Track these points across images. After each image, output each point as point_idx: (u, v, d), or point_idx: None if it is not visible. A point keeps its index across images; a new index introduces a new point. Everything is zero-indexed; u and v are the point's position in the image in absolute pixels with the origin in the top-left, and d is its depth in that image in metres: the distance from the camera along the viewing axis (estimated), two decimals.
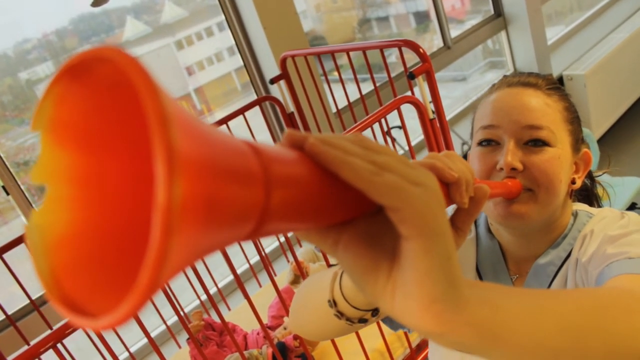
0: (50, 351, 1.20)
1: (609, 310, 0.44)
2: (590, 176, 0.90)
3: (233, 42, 2.62)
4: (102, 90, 0.26)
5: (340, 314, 0.59)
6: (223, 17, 2.58)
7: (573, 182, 0.79)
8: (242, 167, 0.26)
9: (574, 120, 0.79)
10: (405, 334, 1.80)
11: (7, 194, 2.09)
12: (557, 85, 0.80)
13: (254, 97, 2.68)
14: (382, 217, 0.35)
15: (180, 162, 0.21)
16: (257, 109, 2.43)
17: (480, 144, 0.77)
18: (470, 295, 0.33)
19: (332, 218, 0.34)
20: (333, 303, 0.59)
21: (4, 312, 1.93)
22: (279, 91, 2.42)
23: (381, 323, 1.72)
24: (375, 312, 0.59)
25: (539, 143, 0.73)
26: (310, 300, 0.67)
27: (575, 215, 0.79)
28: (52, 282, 0.26)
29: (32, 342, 1.18)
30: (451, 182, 0.43)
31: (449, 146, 1.83)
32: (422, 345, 1.89)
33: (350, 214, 0.35)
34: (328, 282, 0.61)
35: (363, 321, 0.60)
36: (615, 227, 0.71)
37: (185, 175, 0.21)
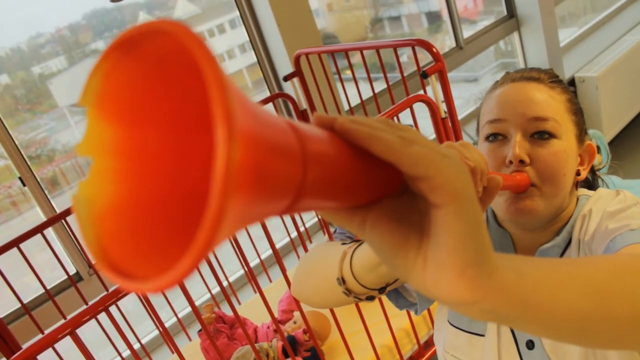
0: (62, 341, 1.22)
1: (630, 272, 0.43)
2: (592, 170, 0.92)
3: (245, 39, 2.64)
4: (148, 65, 0.27)
5: (348, 292, 0.61)
6: (235, 14, 2.60)
7: (578, 173, 0.80)
8: (284, 141, 0.27)
9: (578, 111, 0.81)
10: (414, 329, 1.81)
11: (24, 184, 2.12)
12: (558, 79, 0.82)
13: (265, 94, 2.70)
14: (408, 197, 0.36)
15: (238, 128, 0.22)
16: (269, 105, 2.46)
17: (487, 138, 0.79)
18: (498, 262, 0.34)
19: (360, 197, 0.35)
20: (342, 281, 0.61)
21: (20, 301, 1.96)
22: (292, 88, 2.44)
23: (390, 319, 1.73)
24: (382, 290, 0.61)
25: (545, 135, 0.75)
26: (317, 273, 0.68)
27: (577, 201, 0.81)
28: (100, 250, 0.27)
29: (47, 331, 1.20)
30: None
31: None
32: (430, 342, 1.90)
33: (378, 194, 0.36)
34: (337, 260, 0.62)
35: (370, 298, 0.62)
36: (613, 203, 0.73)
37: (242, 142, 0.23)
